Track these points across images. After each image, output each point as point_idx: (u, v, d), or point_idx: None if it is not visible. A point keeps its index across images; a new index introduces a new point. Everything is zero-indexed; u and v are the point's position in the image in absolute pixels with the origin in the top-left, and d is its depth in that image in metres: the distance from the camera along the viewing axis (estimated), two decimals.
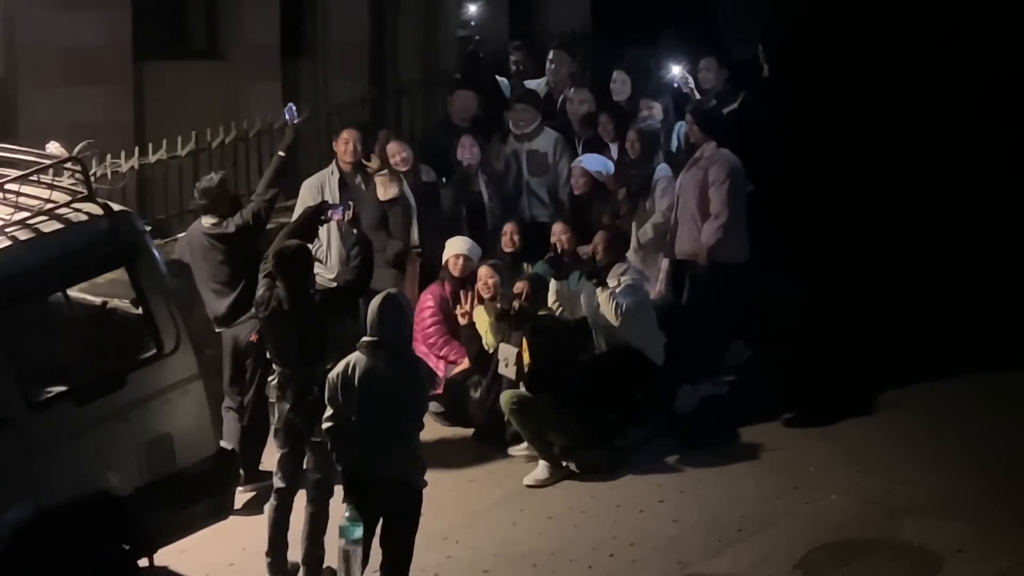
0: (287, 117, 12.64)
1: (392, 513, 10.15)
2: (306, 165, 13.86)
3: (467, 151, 13.77)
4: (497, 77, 15.26)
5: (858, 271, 15.12)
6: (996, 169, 17.25)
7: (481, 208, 13.73)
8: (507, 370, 12.45)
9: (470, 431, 12.89)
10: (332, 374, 10.14)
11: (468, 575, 10.97)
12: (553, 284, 12.70)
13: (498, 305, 12.61)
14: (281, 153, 12.47)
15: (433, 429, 12.22)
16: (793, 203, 15.19)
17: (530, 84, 15.20)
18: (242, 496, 11.29)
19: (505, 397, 12.29)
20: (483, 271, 12.84)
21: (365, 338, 10.19)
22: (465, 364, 12.95)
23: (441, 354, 12.98)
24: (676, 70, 14.90)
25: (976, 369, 13.70)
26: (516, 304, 12.42)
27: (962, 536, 11.25)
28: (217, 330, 11.95)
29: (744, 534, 11.46)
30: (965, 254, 15.52)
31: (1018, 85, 18.73)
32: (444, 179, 13.81)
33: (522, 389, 12.29)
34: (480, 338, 12.79)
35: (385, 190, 13.19)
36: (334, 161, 13.22)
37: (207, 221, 12.01)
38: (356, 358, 10.11)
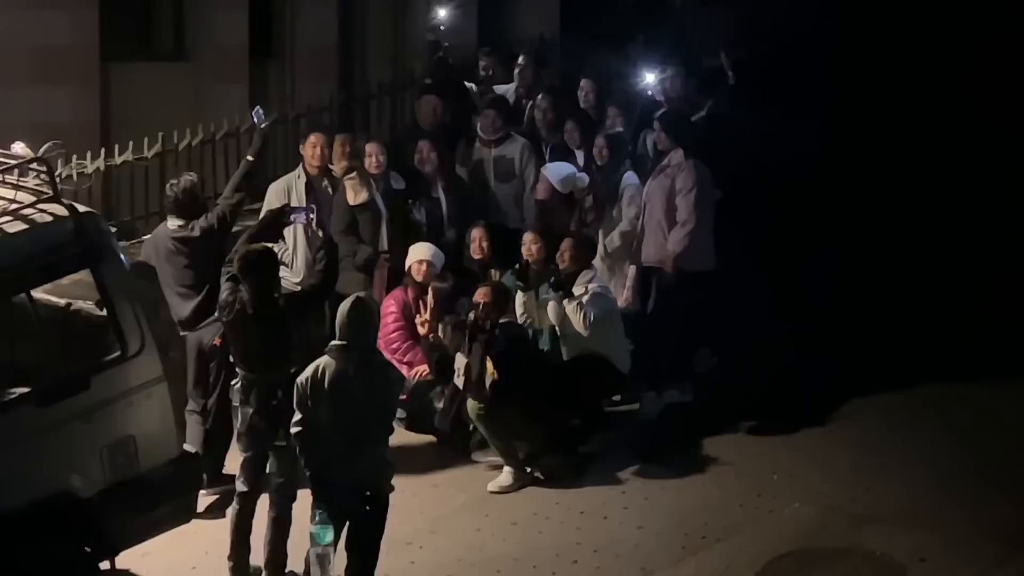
0: (255, 121, 12.59)
1: (359, 517, 10.16)
2: (272, 168, 13.82)
3: (425, 158, 13.74)
4: (466, 83, 15.24)
5: (824, 279, 15.13)
6: (959, 177, 17.30)
7: (439, 214, 13.70)
8: (458, 380, 12.43)
9: (434, 437, 12.87)
10: (301, 378, 10.11)
11: None
12: (520, 296, 12.69)
13: (446, 325, 12.58)
14: (250, 157, 12.44)
15: (398, 434, 12.17)
16: (759, 211, 15.21)
17: (499, 89, 15.20)
18: (205, 499, 11.26)
19: (472, 404, 12.26)
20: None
21: (335, 342, 10.17)
22: (425, 369, 12.92)
23: (405, 359, 12.94)
24: (649, 77, 14.96)
25: (940, 379, 13.74)
26: (472, 316, 12.37)
27: (925, 545, 11.29)
28: (182, 333, 11.91)
29: (708, 541, 11.46)
30: (929, 263, 15.56)
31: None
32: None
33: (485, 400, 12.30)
34: (440, 347, 12.76)
35: (355, 195, 13.14)
36: (301, 165, 13.16)
37: (173, 224, 11.97)
38: (325, 362, 10.09)
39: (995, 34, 20.41)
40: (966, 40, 20.29)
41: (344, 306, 10.20)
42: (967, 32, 20.38)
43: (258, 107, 12.81)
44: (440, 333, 12.60)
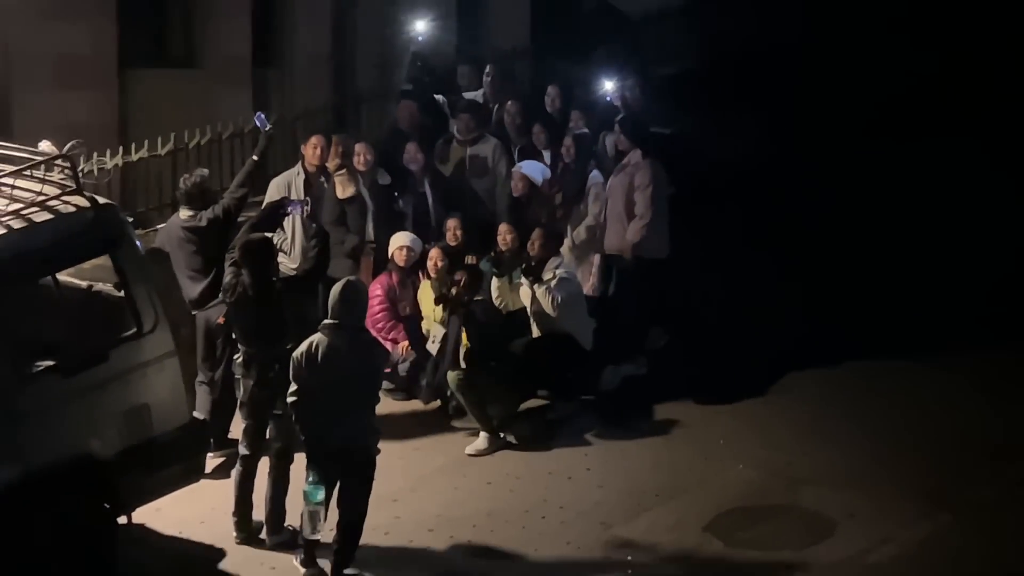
0: (258, 125, 12.58)
1: (349, 478, 10.19)
2: (273, 164, 13.81)
3: (412, 157, 13.79)
4: (435, 95, 15.23)
5: (767, 265, 15.12)
6: (902, 165, 17.32)
7: (425, 207, 13.73)
8: (432, 346, 12.49)
9: (418, 405, 12.89)
10: (296, 353, 10.14)
11: (414, 534, 10.97)
12: (495, 281, 12.72)
13: (441, 289, 12.63)
14: (254, 157, 12.43)
15: (384, 403, 12.21)
16: (709, 205, 15.24)
17: (468, 95, 15.20)
18: (212, 461, 11.24)
19: (452, 375, 12.31)
20: (434, 252, 12.91)
21: (327, 320, 10.20)
22: (407, 345, 12.95)
23: (389, 337, 12.98)
24: (608, 85, 14.99)
25: (875, 354, 13.71)
26: (453, 290, 12.43)
27: (854, 504, 11.33)
28: (192, 312, 11.92)
29: (661, 499, 11.51)
30: (867, 248, 15.52)
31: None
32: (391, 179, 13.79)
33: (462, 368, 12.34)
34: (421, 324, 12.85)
35: (344, 189, 13.16)
36: (300, 162, 13.13)
37: (183, 214, 11.97)
38: (319, 339, 10.13)
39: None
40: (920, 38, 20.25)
41: (335, 289, 10.23)
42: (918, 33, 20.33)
43: (260, 113, 12.78)
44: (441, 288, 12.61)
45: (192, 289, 11.89)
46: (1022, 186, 16.59)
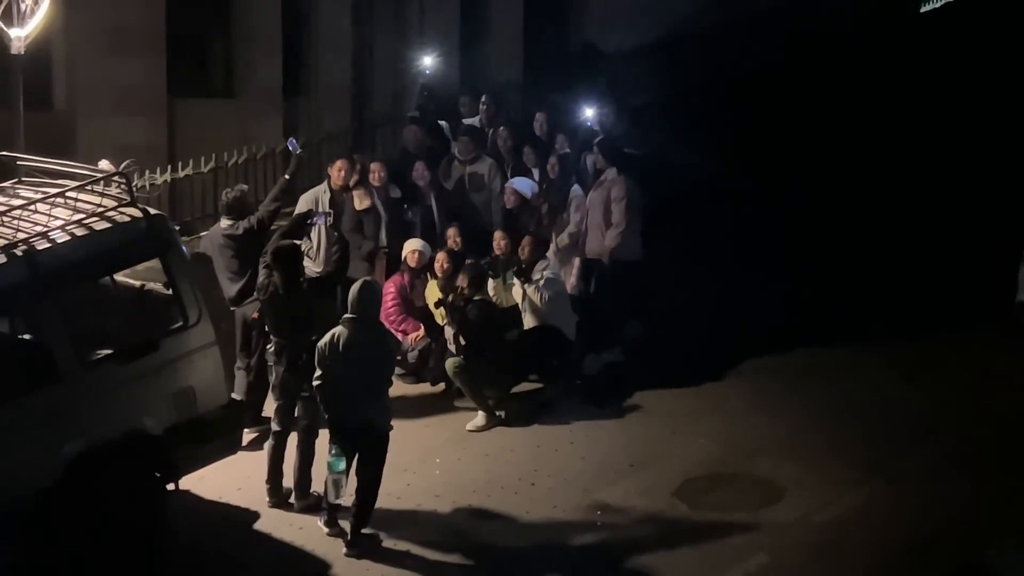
0: (290, 148, 12.56)
1: (366, 450, 10.19)
2: (301, 180, 13.81)
3: (420, 175, 13.77)
4: (439, 121, 15.23)
5: (726, 265, 15.13)
6: (841, 179, 17.31)
7: (431, 217, 13.73)
8: (452, 346, 12.48)
9: (426, 387, 12.87)
10: (321, 343, 10.15)
11: (423, 498, 10.96)
12: (491, 282, 12.73)
13: (444, 283, 12.61)
14: (286, 176, 12.42)
15: (396, 386, 12.21)
16: (678, 214, 15.27)
17: (467, 121, 15.19)
18: (248, 436, 11.24)
19: (449, 363, 12.31)
20: (440, 255, 12.86)
21: (347, 315, 10.20)
22: (418, 335, 12.93)
23: (401, 328, 12.94)
24: (588, 112, 15.01)
25: (815, 342, 13.63)
26: (451, 298, 12.41)
27: (801, 472, 11.32)
28: (230, 308, 11.92)
29: (635, 468, 11.50)
30: (807, 249, 15.46)
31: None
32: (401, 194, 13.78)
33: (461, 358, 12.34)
34: (432, 315, 12.83)
35: (361, 202, 13.15)
36: (326, 181, 13.04)
37: (224, 223, 11.95)
38: (340, 331, 10.13)
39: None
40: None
41: (354, 288, 10.24)
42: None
43: (292, 138, 12.76)
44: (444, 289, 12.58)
45: (230, 288, 11.88)
46: (937, 197, 16.65)
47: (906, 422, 12.21)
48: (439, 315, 12.68)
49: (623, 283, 13.50)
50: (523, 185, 13.76)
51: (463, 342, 12.25)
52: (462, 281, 12.42)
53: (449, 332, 12.47)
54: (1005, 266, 12.79)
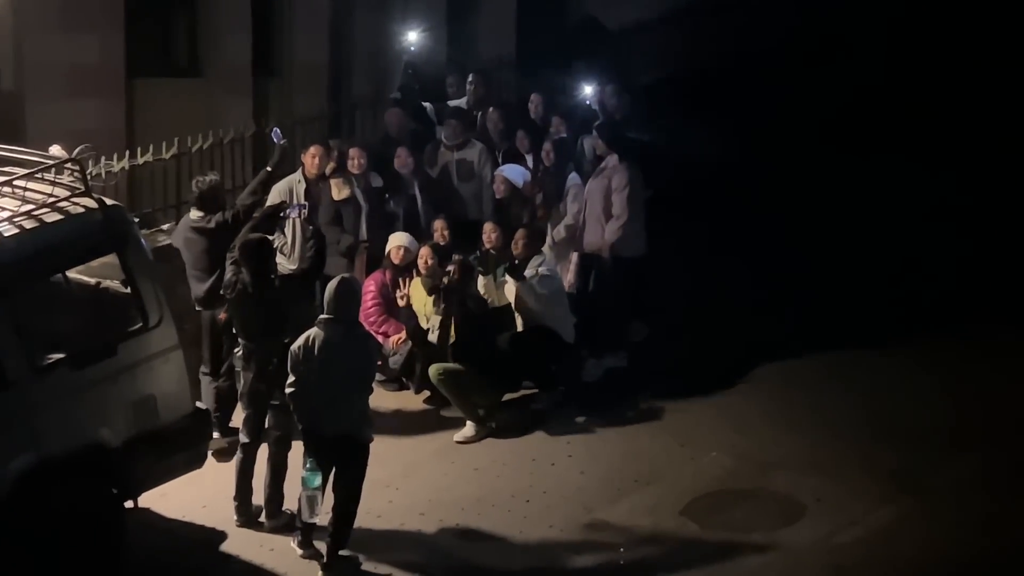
0: (274, 139, 12.52)
1: (344, 464, 10.17)
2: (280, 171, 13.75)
3: (403, 162, 13.74)
4: (424, 103, 15.19)
5: (737, 263, 15.14)
6: (859, 171, 17.32)
7: (415, 208, 13.69)
8: (433, 335, 12.44)
9: (411, 395, 12.85)
10: (294, 346, 10.12)
11: (406, 517, 10.96)
12: (480, 279, 12.69)
13: (431, 281, 12.61)
14: (268, 168, 12.40)
15: (377, 394, 12.18)
16: (684, 206, 15.24)
17: (453, 103, 15.15)
18: (214, 448, 11.21)
19: (432, 370, 12.27)
20: (424, 250, 12.85)
21: (323, 315, 10.18)
22: (399, 338, 12.89)
23: (381, 330, 12.93)
24: (587, 91, 14.97)
25: (842, 347, 13.65)
26: (446, 280, 12.40)
27: (822, 488, 11.33)
28: (197, 309, 11.87)
29: (639, 484, 11.50)
30: (831, 252, 15.49)
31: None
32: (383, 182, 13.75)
33: (449, 359, 12.28)
34: (416, 316, 12.78)
35: (339, 191, 13.12)
36: (300, 169, 13.02)
37: (194, 215, 11.90)
38: (315, 332, 10.11)
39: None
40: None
41: (331, 285, 10.22)
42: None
43: (276, 128, 12.74)
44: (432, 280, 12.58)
45: (198, 287, 11.84)
46: (973, 189, 16.68)
47: (938, 433, 12.21)
48: (425, 311, 12.63)
49: (625, 281, 13.47)
50: (514, 173, 13.72)
51: (454, 341, 12.18)
52: (452, 267, 12.40)
53: (435, 320, 12.39)
54: None
